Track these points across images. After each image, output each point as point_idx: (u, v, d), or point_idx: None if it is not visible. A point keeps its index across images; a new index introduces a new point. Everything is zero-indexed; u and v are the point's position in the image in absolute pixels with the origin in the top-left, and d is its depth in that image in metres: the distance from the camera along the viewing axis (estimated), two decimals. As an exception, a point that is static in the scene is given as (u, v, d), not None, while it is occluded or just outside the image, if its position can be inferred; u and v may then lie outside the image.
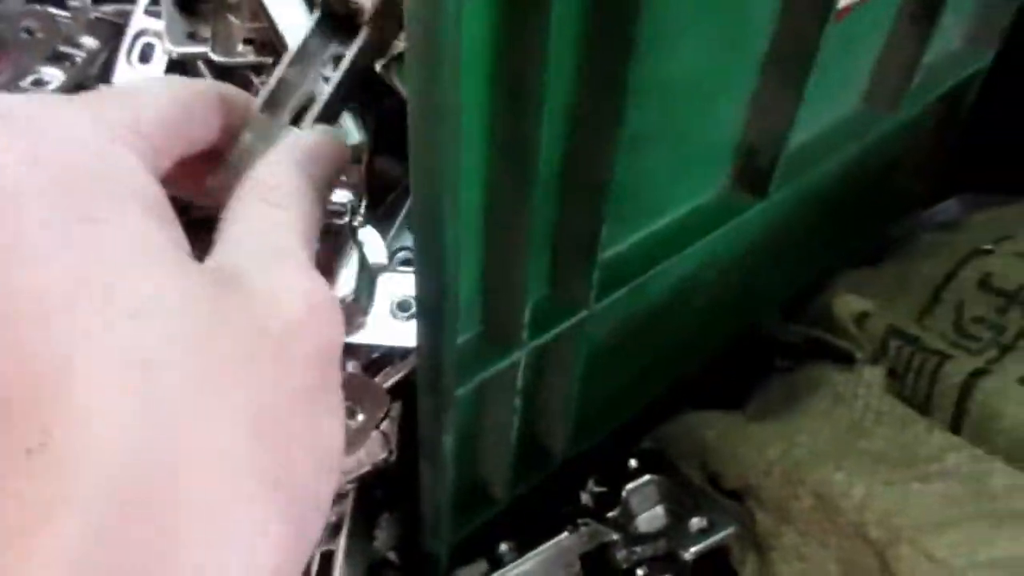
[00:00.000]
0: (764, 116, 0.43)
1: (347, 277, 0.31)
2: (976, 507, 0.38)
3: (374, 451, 0.42)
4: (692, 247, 0.44)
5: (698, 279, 0.49)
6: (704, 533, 0.45)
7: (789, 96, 0.42)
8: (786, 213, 0.51)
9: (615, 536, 0.46)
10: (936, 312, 0.53)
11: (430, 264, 0.30)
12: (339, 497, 0.48)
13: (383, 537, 0.48)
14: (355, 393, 0.40)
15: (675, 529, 0.46)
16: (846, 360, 0.51)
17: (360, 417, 0.40)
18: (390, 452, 0.42)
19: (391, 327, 0.38)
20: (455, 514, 0.45)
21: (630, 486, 0.49)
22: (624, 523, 0.47)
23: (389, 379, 0.42)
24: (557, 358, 0.42)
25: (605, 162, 0.34)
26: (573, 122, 0.32)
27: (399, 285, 0.39)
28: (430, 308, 0.33)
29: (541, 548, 0.45)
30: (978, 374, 0.45)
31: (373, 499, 0.46)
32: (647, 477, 0.49)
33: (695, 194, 0.44)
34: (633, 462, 0.50)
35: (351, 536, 0.46)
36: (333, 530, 0.47)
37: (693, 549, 0.44)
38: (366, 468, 0.42)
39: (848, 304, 0.54)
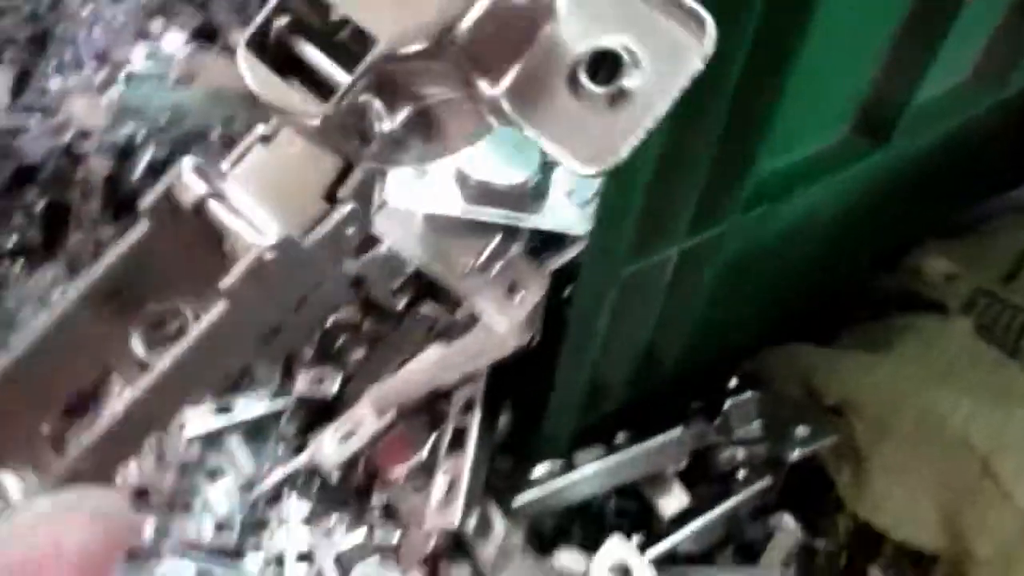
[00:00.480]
0: (896, 70, 0.47)
1: None
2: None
3: (521, 333, 0.46)
4: (814, 185, 0.49)
5: (814, 219, 0.53)
6: (805, 441, 0.49)
7: (922, 56, 0.46)
8: (893, 171, 0.55)
9: (720, 438, 0.50)
10: (1020, 277, 0.57)
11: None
12: (472, 380, 0.53)
13: (506, 420, 0.53)
14: (518, 274, 0.45)
15: (776, 437, 0.50)
16: (937, 311, 0.55)
17: (518, 298, 0.45)
18: (533, 336, 0.47)
19: (564, 212, 0.43)
20: (580, 403, 0.50)
21: (732, 401, 0.53)
22: (726, 432, 0.52)
23: (549, 265, 0.46)
24: (698, 264, 0.46)
25: (777, 85, 0.39)
26: (755, 39, 0.37)
27: (567, 176, 0.44)
28: (609, 202, 0.38)
29: (654, 440, 0.50)
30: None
31: (502, 383, 0.51)
32: (748, 393, 0.53)
33: (821, 136, 0.49)
34: (735, 380, 0.55)
35: (482, 415, 0.51)
36: (465, 408, 0.52)
37: (796, 453, 0.48)
38: (511, 348, 0.46)
39: (938, 264, 0.59)
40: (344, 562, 0.55)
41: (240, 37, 0.21)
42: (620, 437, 0.50)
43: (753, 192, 0.44)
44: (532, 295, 0.45)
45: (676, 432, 0.50)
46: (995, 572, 0.42)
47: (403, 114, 0.21)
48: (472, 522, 0.47)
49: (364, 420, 0.55)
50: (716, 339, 0.55)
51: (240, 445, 0.65)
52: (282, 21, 0.21)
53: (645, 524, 0.53)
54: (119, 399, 0.23)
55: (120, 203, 0.78)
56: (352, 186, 0.22)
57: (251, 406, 0.65)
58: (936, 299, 0.55)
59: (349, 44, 0.21)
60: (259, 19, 0.21)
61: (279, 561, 0.60)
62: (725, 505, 0.50)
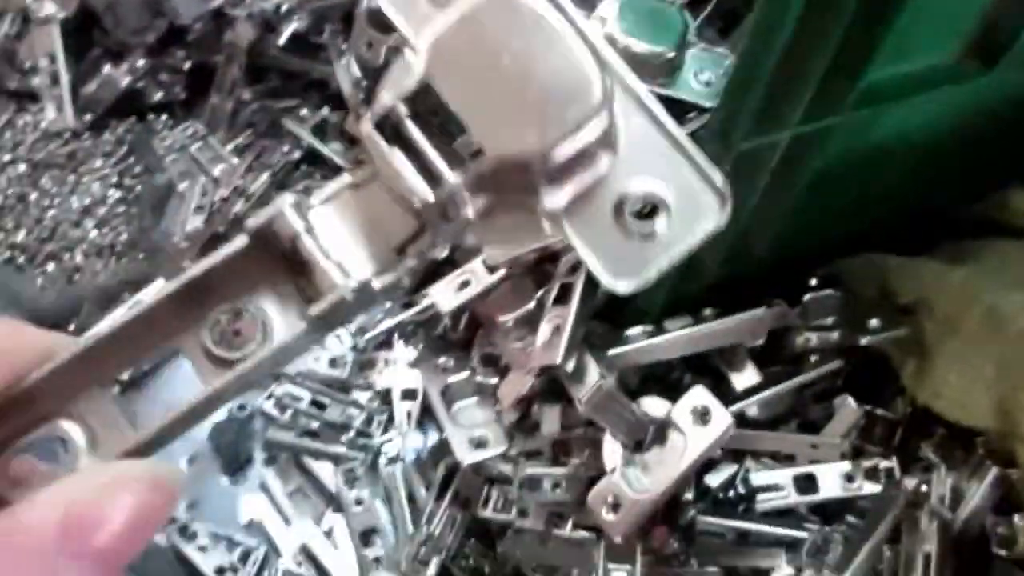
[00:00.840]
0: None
1: None
2: None
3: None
4: (919, 98, 0.52)
5: (911, 136, 0.57)
6: (876, 331, 0.54)
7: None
8: (997, 102, 0.59)
9: (799, 321, 0.56)
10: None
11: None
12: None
13: (603, 291, 0.59)
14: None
15: (849, 326, 0.55)
16: (1017, 237, 0.59)
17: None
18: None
19: (694, 87, 0.48)
20: (676, 275, 0.55)
21: (809, 296, 0.58)
22: (804, 319, 0.57)
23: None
24: (803, 154, 0.51)
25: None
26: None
27: (699, 55, 0.49)
28: (738, 76, 0.42)
29: (738, 315, 0.55)
30: None
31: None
32: (827, 291, 0.58)
33: (934, 50, 0.52)
34: (814, 280, 0.60)
35: (588, 274, 0.57)
36: (571, 269, 0.58)
37: (867, 339, 0.53)
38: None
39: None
40: (448, 396, 0.63)
41: (367, 114, 0.26)
42: (707, 312, 0.56)
43: (865, 92, 0.49)
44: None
45: (758, 311, 0.55)
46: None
47: (480, 204, 0.26)
48: (571, 365, 0.54)
49: (477, 273, 0.61)
50: (805, 237, 0.60)
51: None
52: (404, 109, 0.25)
53: (718, 396, 0.59)
54: (194, 388, 0.26)
55: (260, 70, 0.85)
56: (421, 247, 0.27)
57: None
58: (1018, 227, 0.59)
59: (458, 145, 0.25)
60: (385, 103, 0.25)
61: (385, 397, 0.68)
62: (794, 380, 0.56)
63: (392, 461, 0.65)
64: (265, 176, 0.80)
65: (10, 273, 0.78)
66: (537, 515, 0.59)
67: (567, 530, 0.58)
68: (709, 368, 0.61)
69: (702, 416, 0.51)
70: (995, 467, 0.50)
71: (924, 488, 0.51)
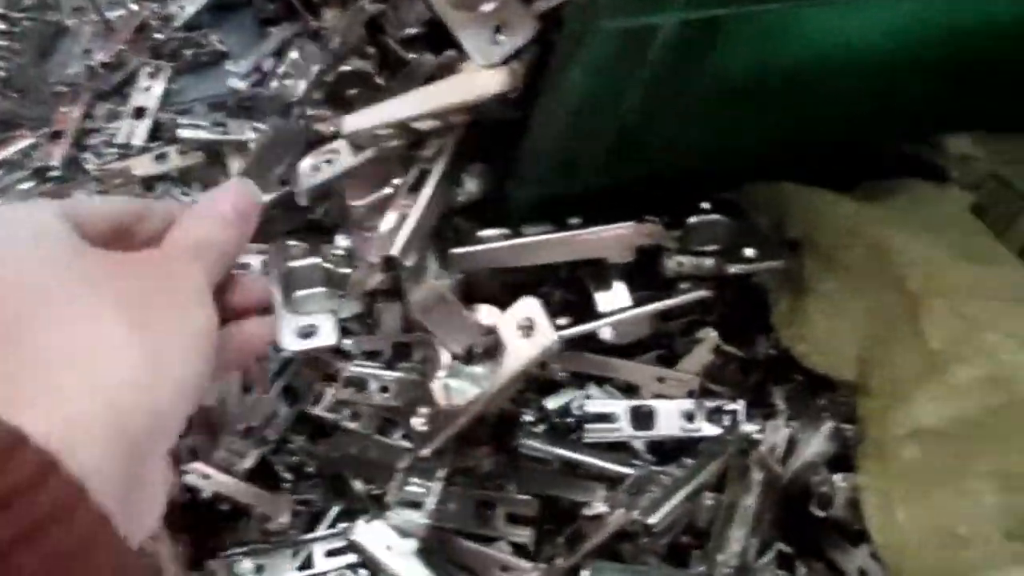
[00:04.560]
0: None
1: None
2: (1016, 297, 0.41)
3: (503, 78, 0.45)
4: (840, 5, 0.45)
5: (841, 52, 0.49)
6: (750, 260, 0.48)
7: None
8: (941, 35, 0.51)
9: (671, 244, 0.50)
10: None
11: None
12: (446, 130, 0.53)
13: (473, 187, 0.53)
14: (507, 14, 0.43)
15: (726, 254, 0.50)
16: (939, 179, 0.53)
17: (504, 38, 0.44)
18: (515, 87, 0.46)
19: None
20: (548, 171, 0.49)
21: (696, 219, 0.52)
22: (681, 243, 0.51)
23: (538, 8, 0.44)
24: (697, 50, 0.44)
25: None
26: None
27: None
28: None
29: (602, 227, 0.50)
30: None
31: (476, 142, 0.51)
32: (715, 216, 0.52)
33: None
34: (706, 204, 0.53)
35: (449, 162, 0.51)
36: (436, 155, 0.53)
37: (737, 267, 0.48)
38: (491, 92, 0.45)
39: (960, 143, 0.56)
40: (291, 282, 0.57)
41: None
42: (573, 220, 0.50)
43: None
44: (518, 37, 0.44)
45: (626, 224, 0.49)
46: (878, 404, 0.42)
47: None
48: (411, 260, 0.48)
49: (341, 152, 0.55)
50: (710, 153, 0.53)
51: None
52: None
53: (585, 317, 0.54)
54: None
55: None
56: None
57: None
58: (942, 165, 0.52)
59: None
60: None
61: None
62: (656, 305, 0.50)
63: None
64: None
65: None
66: (368, 420, 0.55)
67: (394, 438, 0.53)
68: (582, 288, 0.55)
69: (527, 329, 0.45)
70: (831, 420, 0.45)
71: (760, 436, 0.46)
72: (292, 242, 0.59)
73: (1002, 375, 0.38)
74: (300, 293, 0.58)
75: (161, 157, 0.67)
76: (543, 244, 0.50)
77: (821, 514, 0.43)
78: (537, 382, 0.53)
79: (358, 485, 0.54)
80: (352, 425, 0.54)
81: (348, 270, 0.58)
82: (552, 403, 0.51)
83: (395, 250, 0.48)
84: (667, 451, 0.50)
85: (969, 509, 0.38)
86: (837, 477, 0.43)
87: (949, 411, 0.38)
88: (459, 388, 0.48)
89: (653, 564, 0.47)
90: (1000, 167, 0.54)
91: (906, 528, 0.39)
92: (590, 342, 0.53)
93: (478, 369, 0.49)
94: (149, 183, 0.67)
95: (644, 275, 0.54)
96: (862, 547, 0.43)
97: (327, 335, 0.55)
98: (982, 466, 0.38)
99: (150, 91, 0.71)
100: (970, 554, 0.37)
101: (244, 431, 0.56)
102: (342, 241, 0.60)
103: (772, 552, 0.45)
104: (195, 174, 0.68)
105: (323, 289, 0.58)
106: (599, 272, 0.54)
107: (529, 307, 0.45)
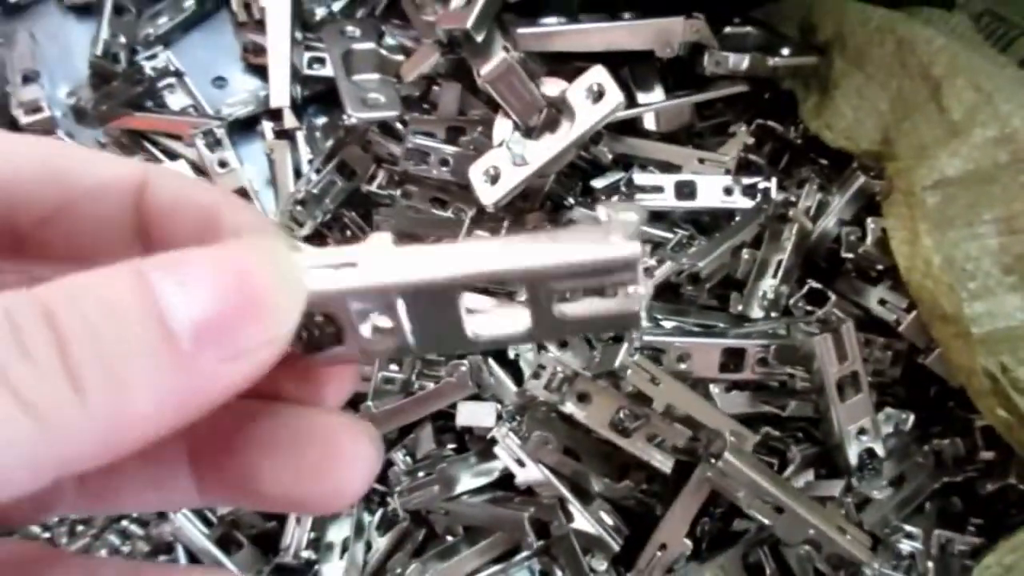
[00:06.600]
0: None
1: None
2: None
3: None
4: None
5: None
6: (785, 57, 0.54)
7: None
8: None
9: (714, 44, 0.55)
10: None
11: None
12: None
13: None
14: None
15: (763, 50, 0.55)
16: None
17: None
18: None
19: None
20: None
21: (730, 28, 0.57)
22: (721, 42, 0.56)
23: None
24: None
25: None
26: None
27: None
28: None
29: (653, 19, 0.54)
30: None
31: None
32: (748, 28, 0.57)
33: None
34: (736, 20, 0.58)
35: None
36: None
37: (775, 60, 0.53)
38: None
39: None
40: (349, 64, 0.60)
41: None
42: (625, 14, 0.54)
43: None
44: None
45: (675, 18, 0.53)
46: (904, 164, 0.48)
47: None
48: (480, 36, 0.51)
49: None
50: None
51: None
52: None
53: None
54: None
55: None
56: None
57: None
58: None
59: None
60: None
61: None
62: (696, 96, 0.55)
63: (280, 135, 0.64)
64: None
65: None
66: (421, 196, 0.58)
67: (446, 212, 0.58)
68: (621, 84, 0.59)
69: (597, 95, 0.50)
70: (863, 175, 0.51)
71: (792, 199, 0.52)
72: (348, 27, 0.62)
73: (1013, 137, 0.44)
74: (357, 77, 0.61)
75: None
76: (599, 31, 0.54)
77: (850, 256, 0.50)
78: (583, 165, 0.57)
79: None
80: (406, 202, 0.58)
81: (401, 57, 0.61)
82: (599, 183, 0.56)
83: (469, 23, 0.52)
84: (703, 226, 0.56)
85: (976, 249, 0.45)
86: (869, 220, 0.49)
87: (967, 164, 0.45)
88: (519, 152, 0.52)
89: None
90: (995, 6, 0.60)
91: (928, 254, 0.45)
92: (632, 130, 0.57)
93: (538, 140, 0.53)
94: None
95: (683, 75, 0.59)
96: (879, 286, 0.51)
97: (392, 106, 0.58)
98: (988, 213, 0.45)
99: None
100: (974, 284, 0.44)
101: (300, 199, 0.59)
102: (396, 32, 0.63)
103: (804, 289, 0.51)
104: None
105: (378, 76, 0.61)
106: (641, 72, 0.59)
107: (599, 75, 0.50)
